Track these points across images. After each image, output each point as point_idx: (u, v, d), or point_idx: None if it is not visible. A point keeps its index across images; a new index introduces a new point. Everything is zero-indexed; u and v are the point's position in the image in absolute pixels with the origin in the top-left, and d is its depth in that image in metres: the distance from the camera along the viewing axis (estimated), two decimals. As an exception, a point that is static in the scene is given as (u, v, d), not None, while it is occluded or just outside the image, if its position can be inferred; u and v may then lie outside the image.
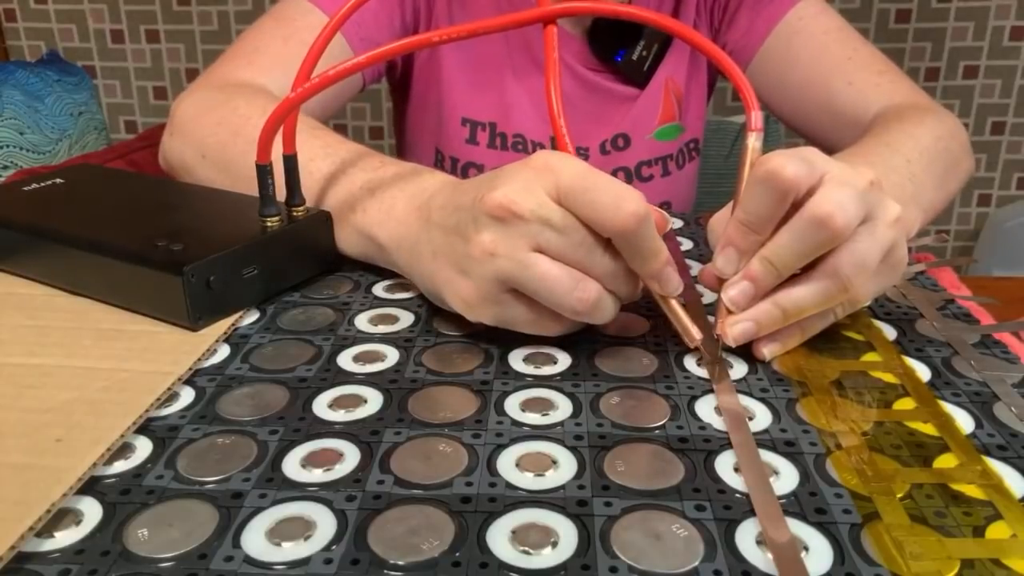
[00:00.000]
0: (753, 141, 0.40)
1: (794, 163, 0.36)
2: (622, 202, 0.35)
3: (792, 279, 0.38)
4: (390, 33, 0.72)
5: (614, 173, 0.79)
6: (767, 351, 0.40)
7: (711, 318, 0.44)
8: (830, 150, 0.43)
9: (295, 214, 0.47)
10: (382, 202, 0.46)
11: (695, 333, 0.39)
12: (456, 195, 0.40)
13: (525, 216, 0.36)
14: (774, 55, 0.76)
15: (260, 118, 0.44)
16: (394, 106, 0.87)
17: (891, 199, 0.39)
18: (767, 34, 0.76)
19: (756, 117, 0.40)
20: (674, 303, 0.40)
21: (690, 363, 0.40)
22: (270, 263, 0.46)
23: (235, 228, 0.46)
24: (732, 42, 0.78)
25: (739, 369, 0.39)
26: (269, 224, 0.46)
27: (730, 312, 0.39)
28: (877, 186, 0.38)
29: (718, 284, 0.40)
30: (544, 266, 0.37)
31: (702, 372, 0.39)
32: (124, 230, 0.47)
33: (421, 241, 0.42)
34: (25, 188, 0.55)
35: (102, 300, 0.45)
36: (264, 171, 0.45)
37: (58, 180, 0.56)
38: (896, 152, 0.56)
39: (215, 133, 0.57)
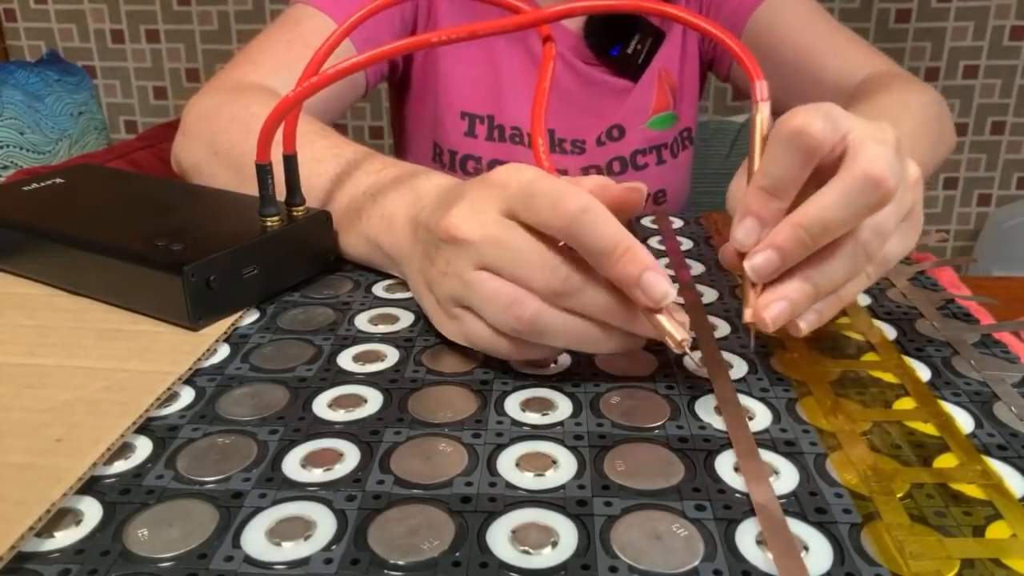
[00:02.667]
0: (763, 111, 0.37)
1: (820, 120, 0.33)
2: (560, 200, 0.34)
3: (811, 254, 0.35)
4: (390, 30, 0.73)
5: (610, 163, 0.81)
6: (804, 324, 0.36)
7: (712, 319, 0.44)
8: None
9: (295, 214, 0.47)
10: (384, 210, 0.47)
11: (678, 335, 0.34)
12: (431, 213, 0.40)
13: (470, 239, 0.36)
14: (760, 29, 0.78)
15: None
16: (392, 101, 0.87)
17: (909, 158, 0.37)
18: (751, 12, 0.78)
19: (761, 87, 0.37)
20: (658, 316, 0.35)
21: (690, 363, 0.40)
22: (270, 263, 0.46)
23: (235, 228, 0.46)
24: (721, 21, 0.80)
25: (739, 369, 0.39)
26: (269, 224, 0.46)
27: (753, 286, 0.35)
28: (900, 144, 0.36)
29: (739, 260, 0.36)
30: (486, 283, 0.36)
31: (702, 372, 0.39)
32: (124, 230, 0.47)
33: (412, 254, 0.43)
34: (25, 188, 0.55)
35: (102, 300, 0.45)
36: (264, 171, 0.45)
37: (58, 180, 0.56)
38: (887, 116, 0.57)
39: (227, 130, 0.57)
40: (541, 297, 0.35)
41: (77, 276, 0.46)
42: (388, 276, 0.50)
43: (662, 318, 0.34)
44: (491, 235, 0.36)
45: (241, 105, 0.59)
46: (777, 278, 0.35)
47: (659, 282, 0.33)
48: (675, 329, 0.34)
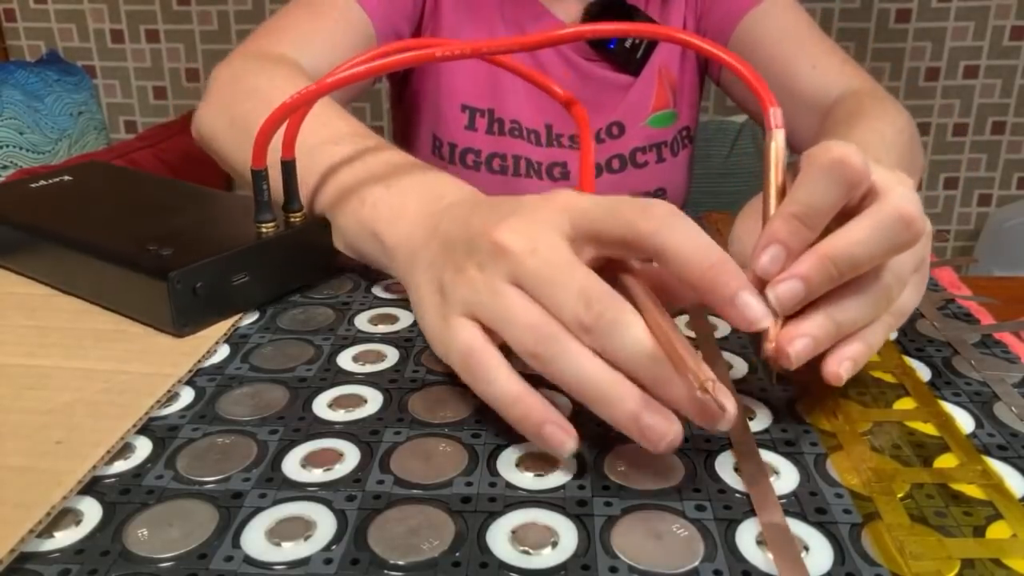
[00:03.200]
0: (778, 139, 0.36)
1: (858, 154, 0.32)
2: (649, 206, 0.32)
3: (834, 292, 0.34)
4: (402, 12, 0.75)
5: (609, 160, 0.82)
6: (844, 372, 0.34)
7: (713, 320, 0.44)
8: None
9: (292, 220, 0.46)
10: (392, 199, 0.45)
11: (702, 374, 0.28)
12: (472, 215, 0.37)
13: (516, 252, 0.33)
14: (746, 36, 0.78)
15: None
16: (393, 94, 0.88)
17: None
18: (743, 15, 0.78)
19: (776, 114, 0.36)
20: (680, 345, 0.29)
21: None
22: (263, 270, 0.45)
23: (229, 233, 0.45)
24: (713, 23, 0.80)
25: (739, 369, 0.39)
26: (264, 230, 0.45)
27: (775, 319, 0.33)
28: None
29: (760, 288, 0.33)
30: (515, 298, 0.33)
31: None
32: (120, 231, 0.46)
33: (424, 248, 0.40)
34: (32, 185, 0.54)
35: (92, 302, 0.45)
36: (260, 176, 0.44)
37: (66, 177, 0.56)
38: (865, 152, 0.57)
39: (248, 100, 0.58)
40: (567, 328, 0.32)
41: (70, 277, 0.46)
42: (388, 276, 0.50)
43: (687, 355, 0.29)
44: (539, 252, 0.33)
45: (265, 77, 0.59)
46: (798, 313, 0.33)
47: (757, 303, 0.30)
48: (700, 369, 0.28)
